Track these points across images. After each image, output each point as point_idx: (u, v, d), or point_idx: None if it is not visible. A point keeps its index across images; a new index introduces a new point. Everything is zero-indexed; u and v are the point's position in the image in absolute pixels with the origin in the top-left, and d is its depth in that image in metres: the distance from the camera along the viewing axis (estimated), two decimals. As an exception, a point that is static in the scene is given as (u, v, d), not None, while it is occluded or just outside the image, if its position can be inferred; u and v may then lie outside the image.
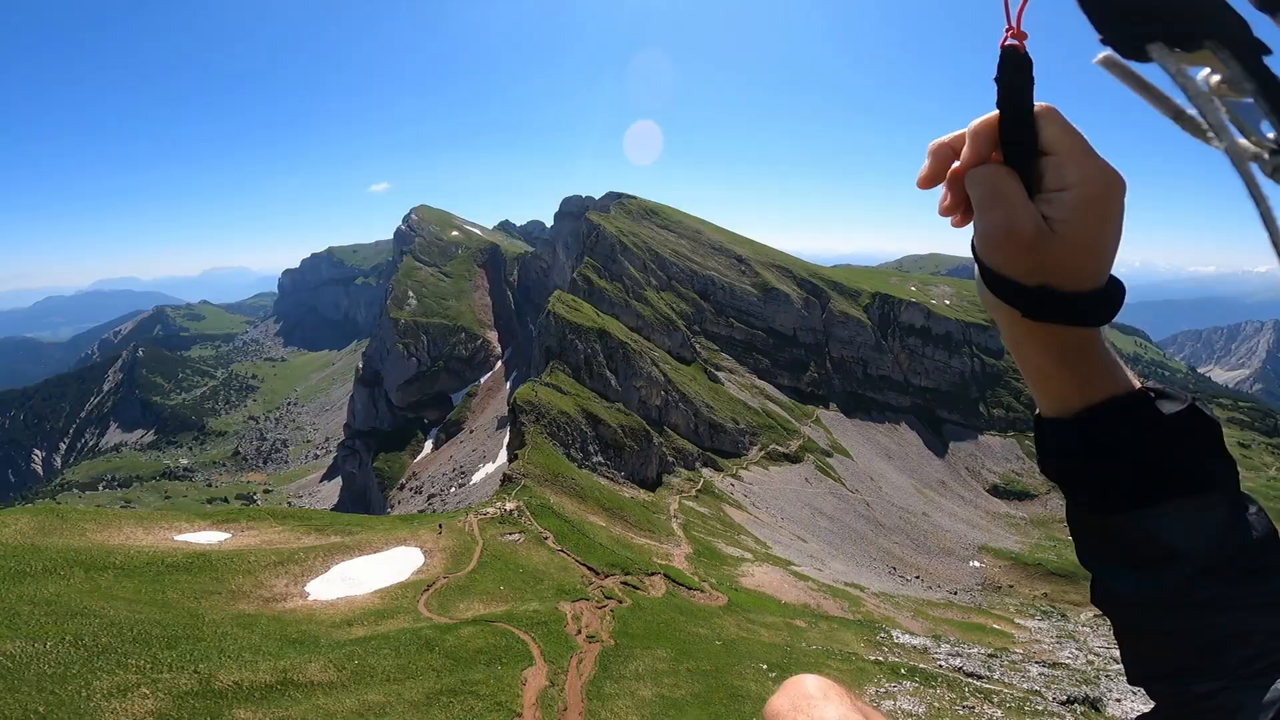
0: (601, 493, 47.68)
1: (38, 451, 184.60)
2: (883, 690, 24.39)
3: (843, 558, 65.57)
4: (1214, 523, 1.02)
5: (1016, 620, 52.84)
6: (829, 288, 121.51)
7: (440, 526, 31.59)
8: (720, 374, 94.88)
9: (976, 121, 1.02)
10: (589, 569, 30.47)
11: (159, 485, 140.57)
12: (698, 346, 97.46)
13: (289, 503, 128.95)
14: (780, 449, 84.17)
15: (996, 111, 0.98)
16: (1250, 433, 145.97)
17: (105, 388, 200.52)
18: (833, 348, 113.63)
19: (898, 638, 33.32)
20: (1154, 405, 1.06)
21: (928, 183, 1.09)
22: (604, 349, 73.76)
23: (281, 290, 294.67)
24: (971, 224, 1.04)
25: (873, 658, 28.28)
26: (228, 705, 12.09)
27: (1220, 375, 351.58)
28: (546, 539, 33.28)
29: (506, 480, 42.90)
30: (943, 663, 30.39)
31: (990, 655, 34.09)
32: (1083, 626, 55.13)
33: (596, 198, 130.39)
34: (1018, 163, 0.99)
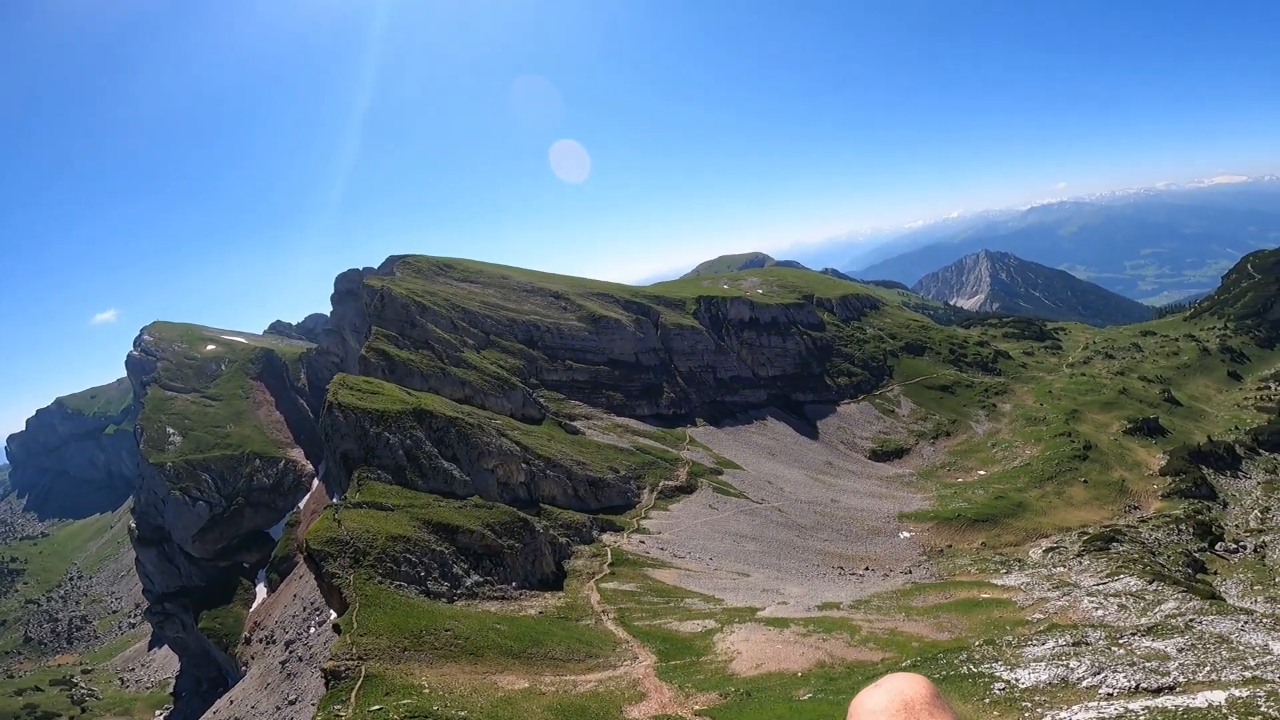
0: (499, 629, 33.75)
1: None
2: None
3: (791, 577, 58.47)
4: None
5: (991, 581, 50.17)
6: (655, 303, 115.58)
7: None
8: (576, 423, 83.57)
9: None
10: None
11: None
12: (542, 400, 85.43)
13: (121, 679, 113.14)
14: (670, 483, 74.75)
15: None
16: (1026, 341, 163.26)
17: None
18: (678, 362, 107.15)
19: (1011, 678, 24.99)
20: None
21: None
22: (430, 434, 57.05)
23: (13, 460, 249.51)
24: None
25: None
26: None
27: (965, 303, 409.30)
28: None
29: (332, 679, 26.42)
30: (1109, 690, 22.42)
31: (1098, 650, 26.80)
32: (1054, 568, 54.19)
33: (376, 267, 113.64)
34: None
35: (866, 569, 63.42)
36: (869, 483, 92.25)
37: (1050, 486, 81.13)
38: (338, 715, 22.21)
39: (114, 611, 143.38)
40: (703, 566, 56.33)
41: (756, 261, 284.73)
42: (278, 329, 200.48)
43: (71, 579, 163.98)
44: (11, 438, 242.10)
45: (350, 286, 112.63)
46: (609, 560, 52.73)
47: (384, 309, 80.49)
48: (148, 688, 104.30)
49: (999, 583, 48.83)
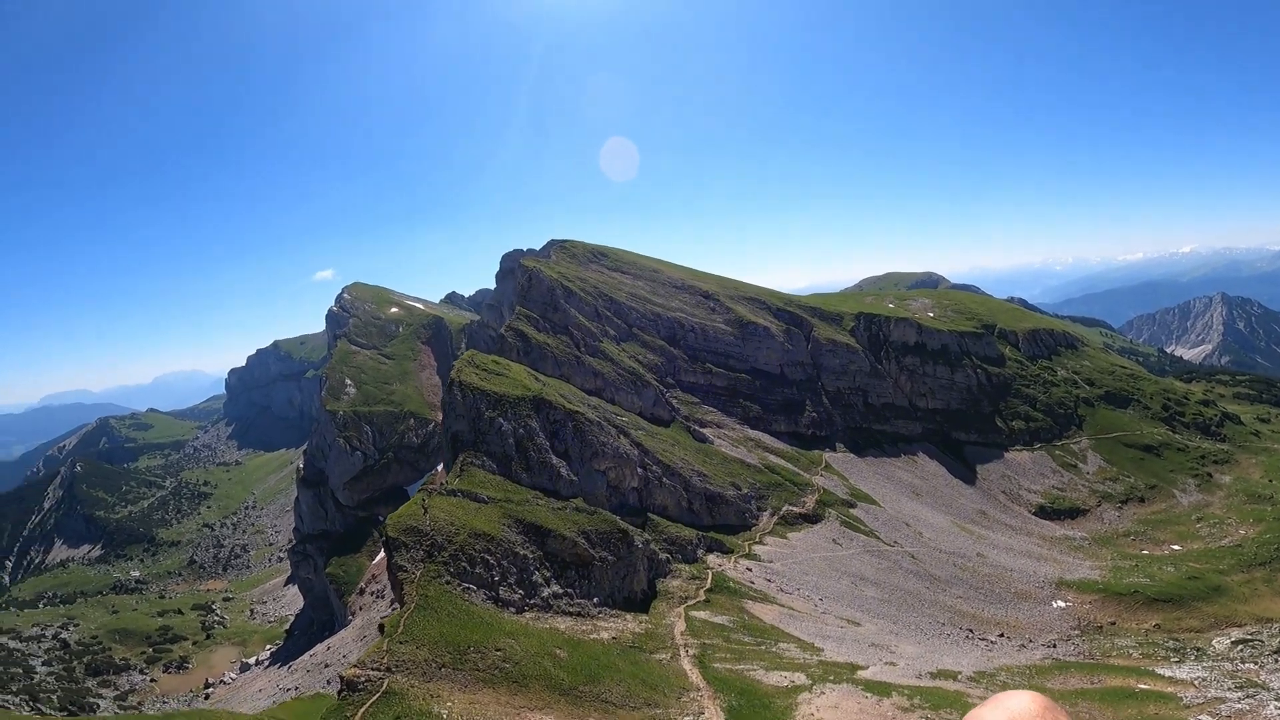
0: (557, 655, 30.97)
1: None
2: None
3: (909, 634, 51.89)
4: None
5: (1155, 670, 41.58)
6: (809, 315, 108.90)
7: None
8: (706, 430, 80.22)
9: None
10: None
11: (106, 600, 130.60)
12: (674, 402, 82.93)
13: (252, 610, 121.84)
14: (795, 509, 69.34)
15: None
16: (1262, 405, 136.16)
17: (46, 505, 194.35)
18: (826, 380, 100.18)
19: None
20: None
21: None
22: (545, 425, 55.30)
23: (230, 391, 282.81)
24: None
25: None
26: None
27: (1186, 353, 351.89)
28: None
29: (347, 689, 24.32)
30: None
31: None
32: (1241, 663, 43.83)
33: (538, 249, 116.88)
34: None
35: (1001, 635, 55.82)
36: (1028, 541, 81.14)
37: (1261, 572, 70.04)
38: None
39: (270, 544, 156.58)
40: (809, 607, 51.07)
41: (929, 282, 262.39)
42: (451, 299, 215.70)
43: (246, 508, 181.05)
44: (232, 371, 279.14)
45: (511, 265, 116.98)
46: (708, 585, 49.09)
47: (530, 290, 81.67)
48: (270, 622, 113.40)
49: (1165, 673, 40.90)
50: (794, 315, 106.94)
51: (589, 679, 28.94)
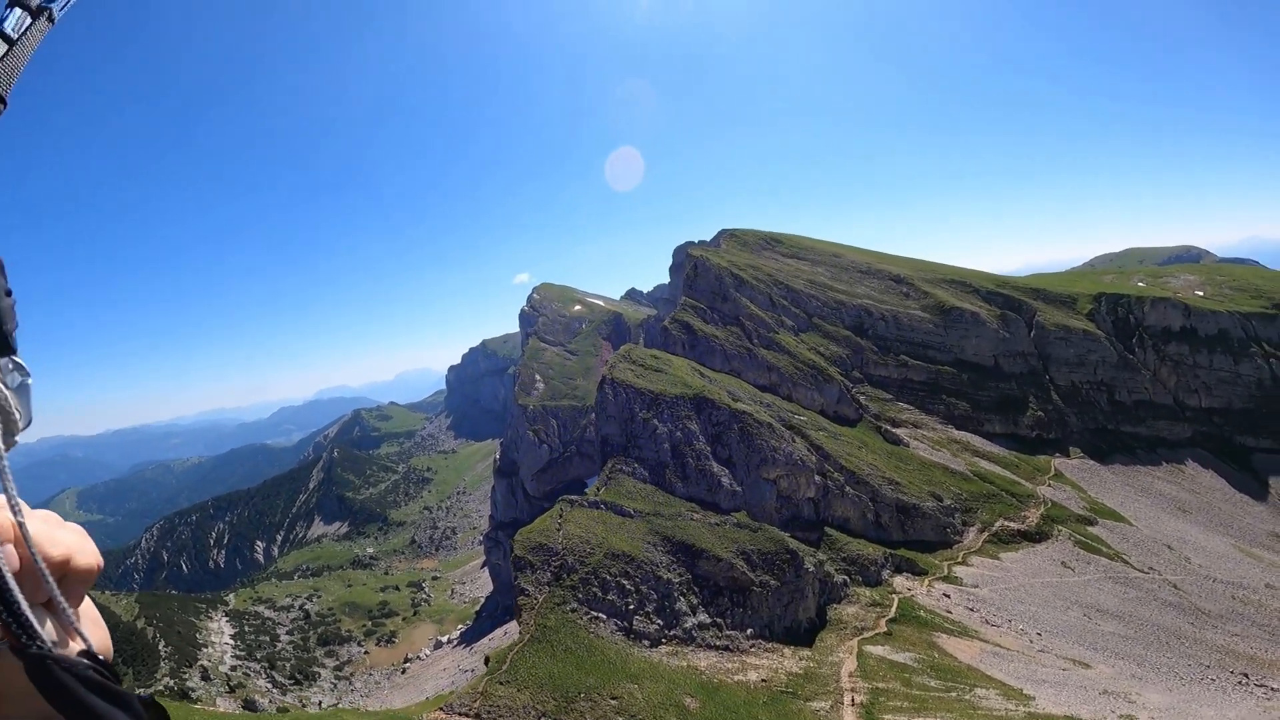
0: (686, 705, 25.24)
1: (259, 543, 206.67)
2: None
3: (1158, 678, 40.68)
4: None
5: None
6: (1029, 298, 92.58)
7: None
8: (900, 431, 70.04)
9: None
10: None
11: (344, 575, 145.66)
12: (862, 398, 73.61)
13: (453, 590, 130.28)
14: (1012, 524, 57.65)
15: None
16: None
17: (310, 485, 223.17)
18: (1055, 373, 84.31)
19: None
20: None
21: None
22: (706, 428, 49.24)
23: (449, 386, 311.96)
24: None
25: None
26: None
27: None
28: None
29: None
30: None
31: None
32: None
33: (710, 240, 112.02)
34: None
35: (1287, 681, 42.47)
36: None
37: None
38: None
39: (474, 528, 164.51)
40: (1022, 644, 40.83)
41: (1188, 257, 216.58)
42: (631, 295, 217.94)
43: (458, 493, 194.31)
44: (451, 369, 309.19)
45: (682, 259, 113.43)
46: (891, 613, 40.88)
47: (696, 279, 76.84)
48: (465, 602, 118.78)
49: None
50: (1009, 299, 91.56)
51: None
